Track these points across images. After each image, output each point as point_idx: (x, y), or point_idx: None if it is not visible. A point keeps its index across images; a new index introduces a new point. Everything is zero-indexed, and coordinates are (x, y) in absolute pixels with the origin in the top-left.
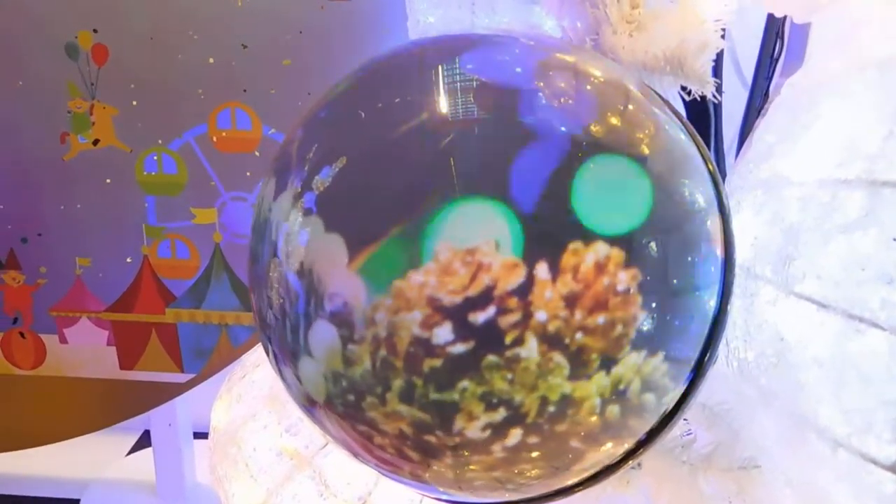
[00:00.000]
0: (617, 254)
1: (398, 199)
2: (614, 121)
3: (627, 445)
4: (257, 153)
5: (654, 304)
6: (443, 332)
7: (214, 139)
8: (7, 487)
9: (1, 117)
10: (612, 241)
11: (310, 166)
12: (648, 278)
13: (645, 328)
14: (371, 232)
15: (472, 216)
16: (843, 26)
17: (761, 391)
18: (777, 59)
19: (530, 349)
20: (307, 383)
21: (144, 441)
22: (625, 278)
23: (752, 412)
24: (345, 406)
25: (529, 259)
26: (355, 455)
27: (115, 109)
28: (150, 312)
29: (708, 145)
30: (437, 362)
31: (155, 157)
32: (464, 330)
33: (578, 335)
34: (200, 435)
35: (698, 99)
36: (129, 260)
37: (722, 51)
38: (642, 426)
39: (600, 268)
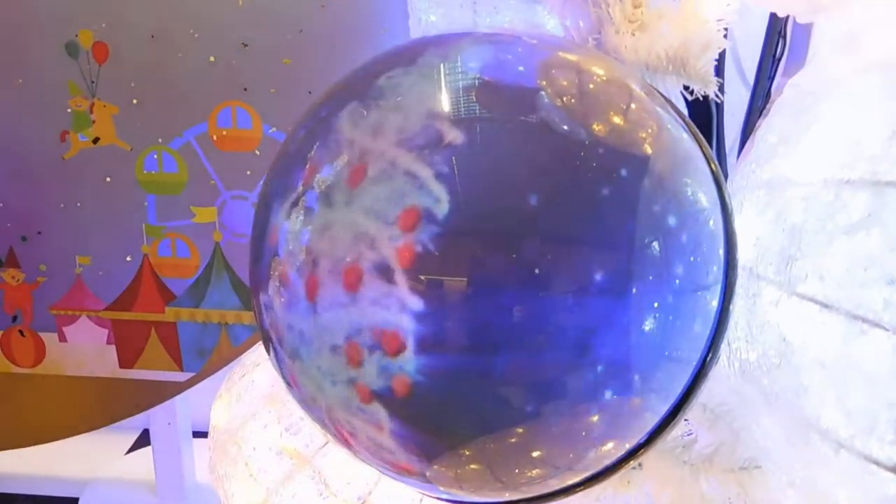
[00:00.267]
0: None
1: None
2: (617, 120)
3: (628, 445)
4: (257, 152)
5: (656, 304)
6: None
7: (215, 138)
8: (6, 486)
9: (1, 115)
10: None
11: (311, 164)
12: (651, 278)
13: (647, 328)
14: None
15: None
16: (846, 27)
17: (763, 392)
18: (779, 59)
19: None
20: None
21: (144, 440)
22: None
23: (754, 413)
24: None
25: None
26: (356, 454)
27: (115, 108)
28: (149, 311)
29: (710, 145)
30: None
31: (155, 156)
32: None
33: None
34: (200, 434)
35: (700, 99)
36: (128, 258)
37: (724, 50)
38: (643, 426)
39: None
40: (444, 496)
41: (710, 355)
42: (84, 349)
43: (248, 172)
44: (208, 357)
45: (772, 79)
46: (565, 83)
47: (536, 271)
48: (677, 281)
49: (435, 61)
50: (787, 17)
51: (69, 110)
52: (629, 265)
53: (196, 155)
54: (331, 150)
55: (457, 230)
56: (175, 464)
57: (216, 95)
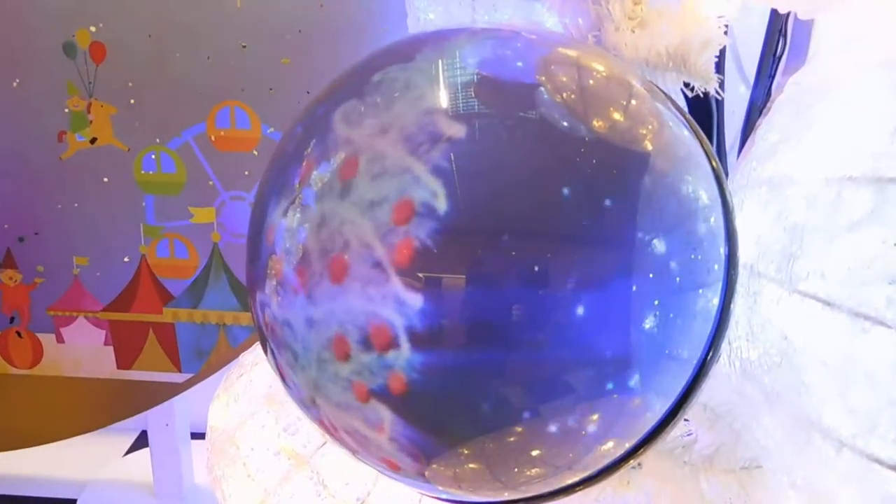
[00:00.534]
0: None
1: None
2: (617, 116)
3: (628, 445)
4: (256, 152)
5: (656, 302)
6: None
7: (213, 138)
8: (3, 487)
9: None
10: None
11: (308, 162)
12: (651, 275)
13: (647, 326)
14: None
15: None
16: (847, 24)
17: (764, 391)
18: (780, 57)
19: None
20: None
21: (142, 441)
22: None
23: (755, 412)
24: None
25: None
26: (354, 454)
27: (113, 108)
28: (147, 312)
29: (710, 142)
30: None
31: (153, 156)
32: None
33: None
34: (198, 435)
35: (701, 96)
36: (126, 259)
37: (724, 48)
38: (643, 426)
39: None
40: (443, 496)
41: (710, 354)
42: (82, 350)
43: (247, 173)
44: (207, 358)
45: (772, 76)
46: (565, 79)
47: (536, 268)
48: (678, 279)
49: (433, 57)
50: (788, 15)
51: (67, 110)
52: (629, 262)
53: (194, 155)
54: (328, 147)
55: (454, 226)
56: (173, 465)
57: (215, 95)
